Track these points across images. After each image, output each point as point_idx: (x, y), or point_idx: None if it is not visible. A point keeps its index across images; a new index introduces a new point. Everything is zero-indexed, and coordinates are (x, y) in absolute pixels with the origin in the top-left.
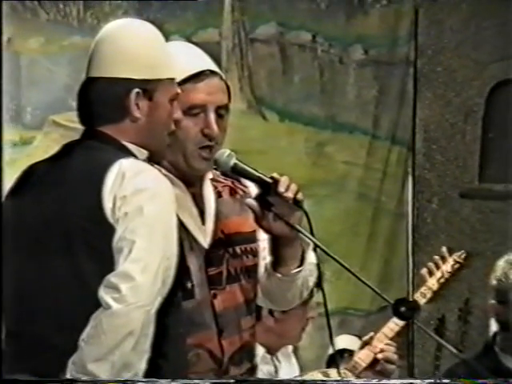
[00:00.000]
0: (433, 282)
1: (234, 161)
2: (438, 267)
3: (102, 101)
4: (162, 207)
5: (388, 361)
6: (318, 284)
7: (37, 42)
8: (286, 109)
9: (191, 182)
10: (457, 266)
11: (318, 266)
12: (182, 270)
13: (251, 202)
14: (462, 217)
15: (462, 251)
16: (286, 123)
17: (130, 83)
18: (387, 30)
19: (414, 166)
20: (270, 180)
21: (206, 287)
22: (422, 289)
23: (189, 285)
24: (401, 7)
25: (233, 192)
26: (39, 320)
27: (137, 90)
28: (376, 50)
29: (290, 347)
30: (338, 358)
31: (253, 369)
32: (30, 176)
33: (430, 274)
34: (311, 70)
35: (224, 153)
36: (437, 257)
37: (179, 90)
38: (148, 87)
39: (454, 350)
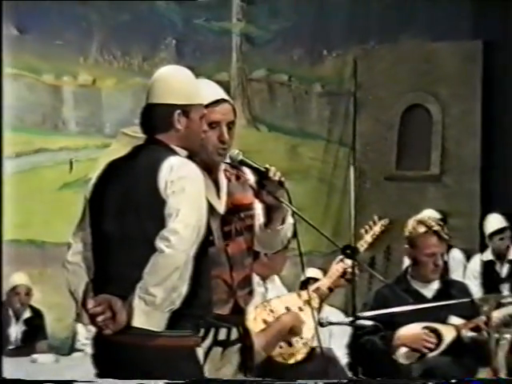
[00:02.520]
0: (367, 238)
1: (240, 157)
2: (371, 228)
3: (156, 118)
4: (196, 188)
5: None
6: (294, 235)
7: (112, 82)
8: (272, 123)
9: (212, 172)
10: (383, 227)
11: (294, 224)
12: (208, 229)
13: (253, 183)
14: (386, 194)
15: (386, 218)
16: (272, 133)
17: (174, 106)
18: (337, 72)
19: (355, 159)
20: (263, 169)
21: (221, 239)
22: (361, 242)
23: (211, 237)
24: (345, 57)
25: (238, 178)
26: (120, 260)
27: (178, 111)
28: (329, 85)
29: (276, 276)
30: (307, 283)
31: (251, 291)
32: (109, 168)
33: (366, 232)
34: (288, 99)
35: (234, 151)
36: (370, 222)
37: (205, 111)
38: (186, 109)
39: (381, 278)
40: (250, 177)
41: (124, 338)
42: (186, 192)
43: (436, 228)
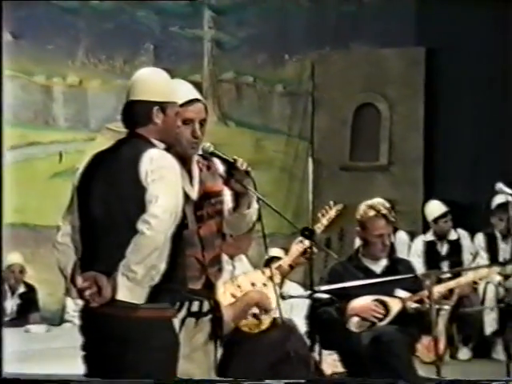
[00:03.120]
0: (324, 221)
1: (211, 149)
2: (327, 212)
3: (136, 113)
4: (173, 176)
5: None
6: (259, 219)
7: (97, 82)
8: (239, 120)
9: (186, 163)
10: (337, 212)
11: (259, 209)
12: (182, 213)
13: (222, 172)
14: (341, 182)
15: (341, 204)
16: (240, 128)
17: (152, 103)
18: (296, 75)
19: (313, 152)
20: (232, 160)
21: (194, 223)
22: (318, 224)
23: (185, 221)
24: (304, 61)
25: (209, 168)
26: (104, 241)
27: (156, 107)
28: (290, 86)
29: (243, 255)
30: (270, 261)
31: (221, 268)
32: (95, 159)
33: (323, 215)
34: (253, 98)
35: (206, 145)
36: (326, 207)
37: (180, 109)
38: (163, 105)
39: (336, 256)
40: (220, 167)
41: (108, 310)
42: (164, 180)
43: (384, 212)
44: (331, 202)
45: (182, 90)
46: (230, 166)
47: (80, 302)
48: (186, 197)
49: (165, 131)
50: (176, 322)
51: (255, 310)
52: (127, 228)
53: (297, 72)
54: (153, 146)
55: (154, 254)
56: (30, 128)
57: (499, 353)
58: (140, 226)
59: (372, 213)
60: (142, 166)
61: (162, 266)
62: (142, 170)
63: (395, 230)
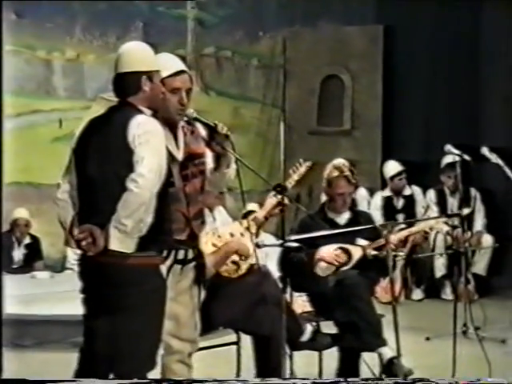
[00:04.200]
0: (294, 177)
1: (195, 115)
2: (297, 169)
3: (126, 84)
4: (158, 140)
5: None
6: (238, 177)
7: (92, 57)
8: (219, 90)
9: (172, 127)
10: (307, 168)
11: (237, 169)
12: (169, 172)
13: (204, 135)
14: (309, 144)
15: (310, 161)
16: (220, 97)
17: (140, 73)
18: (270, 50)
19: (284, 118)
20: (213, 125)
21: (180, 181)
22: (289, 180)
23: (172, 179)
24: (277, 38)
25: (192, 132)
26: (98, 197)
27: (144, 76)
28: (264, 60)
29: (222, 208)
30: (247, 214)
31: (203, 221)
32: (90, 124)
33: (294, 172)
34: (231, 71)
35: (190, 111)
36: (297, 164)
37: (168, 79)
38: (150, 75)
39: (304, 209)
40: (202, 131)
41: (103, 258)
42: (150, 143)
43: (346, 173)
44: (301, 160)
45: (170, 62)
46: (212, 130)
47: (78, 251)
48: (172, 158)
49: (152, 98)
50: (163, 268)
51: (234, 258)
52: (118, 186)
53: (270, 47)
54: (140, 112)
55: (142, 208)
56: (32, 98)
57: (448, 293)
58: (128, 184)
59: (336, 173)
60: (130, 131)
61: (149, 219)
62: (130, 134)
63: (357, 187)
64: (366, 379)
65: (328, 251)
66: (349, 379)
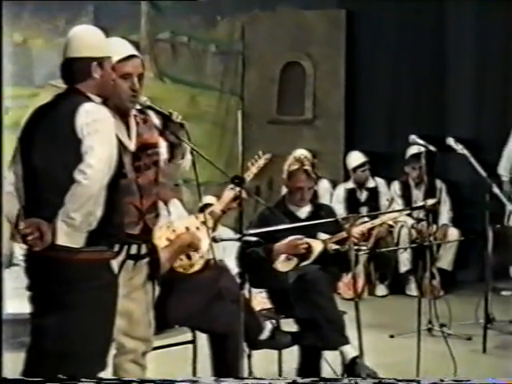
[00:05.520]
0: (253, 169)
1: (148, 103)
2: (256, 161)
3: (75, 70)
4: (107, 129)
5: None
6: (193, 169)
7: (40, 42)
8: (174, 76)
9: (124, 116)
10: (266, 161)
11: (193, 160)
12: (120, 163)
13: (158, 124)
14: (268, 134)
15: (270, 153)
16: (175, 85)
17: (91, 59)
18: (228, 35)
19: (243, 106)
20: (167, 113)
21: (133, 172)
22: (248, 172)
23: (124, 171)
24: (235, 23)
25: (145, 121)
26: (45, 190)
27: (95, 62)
28: (222, 46)
29: (177, 201)
30: (204, 208)
31: (158, 214)
32: (36, 113)
33: (252, 164)
34: (188, 57)
35: (143, 99)
36: (256, 156)
37: (119, 64)
38: (100, 61)
39: (263, 202)
40: (156, 120)
41: (50, 253)
42: (99, 132)
43: (306, 167)
44: (260, 152)
45: (120, 47)
46: (166, 118)
47: (24, 247)
48: (124, 148)
49: (103, 85)
50: (115, 264)
51: (188, 252)
52: (66, 177)
53: (228, 32)
54: (89, 100)
55: (91, 201)
56: None
57: (412, 289)
58: (76, 175)
59: (296, 166)
60: (78, 119)
61: (99, 213)
62: (78, 122)
63: (317, 181)
64: (326, 379)
65: (287, 242)
66: (307, 379)
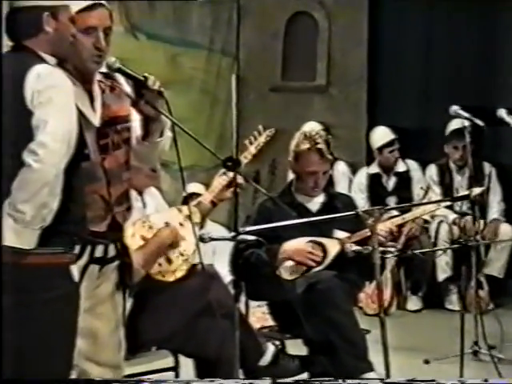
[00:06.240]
0: (252, 149)
1: (117, 65)
2: (255, 139)
3: (23, 22)
4: (65, 98)
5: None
6: (176, 148)
7: None
8: (151, 32)
9: (86, 81)
10: (268, 138)
11: (174, 137)
12: (81, 142)
13: (129, 92)
14: (271, 105)
15: (272, 129)
16: (151, 41)
17: (42, 8)
18: None
19: (238, 70)
20: (142, 78)
21: (97, 153)
22: (245, 153)
23: (86, 151)
24: None
25: (112, 89)
26: None
27: (47, 12)
28: None
29: (154, 189)
30: (188, 198)
31: (129, 207)
32: None
33: (250, 143)
34: (169, 8)
35: (111, 59)
36: (255, 132)
37: (79, 15)
38: (54, 10)
39: (264, 191)
40: (127, 87)
41: None
42: (53, 102)
43: (320, 146)
44: (260, 127)
45: None
46: (140, 85)
47: None
48: (86, 123)
49: (58, 42)
50: (75, 269)
51: (169, 254)
52: (12, 159)
53: None
54: (42, 60)
55: (44, 190)
56: None
57: (453, 302)
58: (26, 157)
59: (306, 145)
60: (27, 86)
61: (55, 205)
62: (27, 90)
63: (334, 162)
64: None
65: (296, 246)
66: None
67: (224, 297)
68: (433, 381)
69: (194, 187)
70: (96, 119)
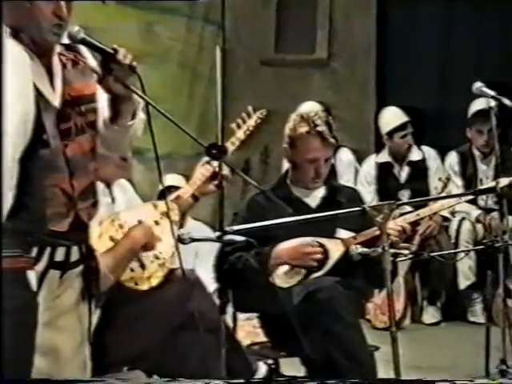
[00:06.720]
0: (240, 134)
1: (82, 35)
2: (244, 122)
3: None
4: (20, 74)
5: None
6: (151, 133)
7: None
8: None
9: (44, 55)
10: (259, 121)
11: (148, 120)
12: (39, 126)
13: (95, 67)
14: (262, 81)
15: (264, 109)
16: (121, 7)
17: None
18: None
19: (224, 40)
20: (111, 51)
21: (58, 139)
22: (232, 139)
23: (44, 136)
24: None
25: (75, 63)
26: None
27: None
28: None
29: (125, 182)
30: (166, 192)
31: (96, 203)
32: None
33: (238, 127)
34: None
35: (74, 29)
36: (244, 114)
37: None
38: None
39: (256, 184)
40: (93, 61)
41: None
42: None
43: (320, 128)
44: (249, 108)
45: None
46: (108, 58)
47: None
48: (45, 103)
49: (12, 10)
50: (32, 275)
51: (142, 257)
52: None
53: None
54: None
55: None
56: None
57: (477, 313)
58: None
59: (305, 128)
60: None
61: (8, 200)
62: None
63: (337, 148)
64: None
65: (292, 247)
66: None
67: (208, 308)
68: None
69: (172, 179)
70: (56, 99)
